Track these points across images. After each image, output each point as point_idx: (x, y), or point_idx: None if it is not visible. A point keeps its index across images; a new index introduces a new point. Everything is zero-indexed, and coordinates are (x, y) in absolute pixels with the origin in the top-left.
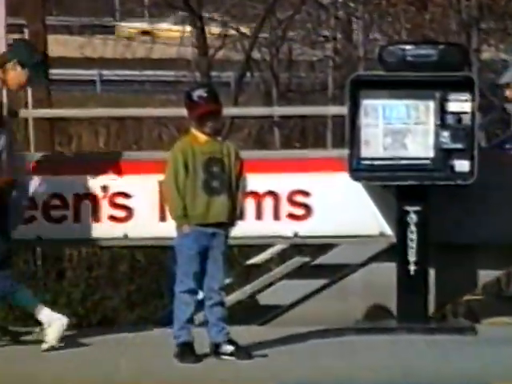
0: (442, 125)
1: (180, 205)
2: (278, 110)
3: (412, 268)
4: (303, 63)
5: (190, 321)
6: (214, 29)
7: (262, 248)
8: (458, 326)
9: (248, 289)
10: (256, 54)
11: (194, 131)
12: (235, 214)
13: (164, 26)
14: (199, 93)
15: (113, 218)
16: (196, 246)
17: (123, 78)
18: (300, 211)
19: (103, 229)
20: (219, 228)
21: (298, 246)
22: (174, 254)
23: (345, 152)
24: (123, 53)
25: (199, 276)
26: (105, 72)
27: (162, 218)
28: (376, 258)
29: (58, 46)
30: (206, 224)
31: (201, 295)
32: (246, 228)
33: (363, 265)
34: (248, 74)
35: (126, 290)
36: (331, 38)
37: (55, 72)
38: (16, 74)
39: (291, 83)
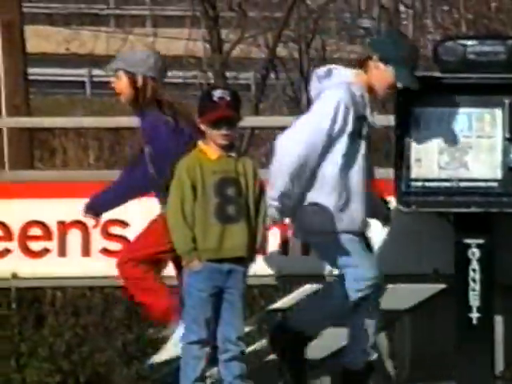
0: None
1: (188, 236)
2: None
3: (475, 316)
4: (339, 62)
5: (201, 379)
6: (230, 19)
7: (288, 289)
8: None
9: None
10: (282, 51)
11: (203, 145)
12: (255, 246)
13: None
14: (221, 94)
15: (106, 251)
16: (208, 286)
17: None
18: None
19: (94, 265)
20: (236, 264)
21: None
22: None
23: (391, 172)
24: (118, 48)
25: (212, 323)
26: (96, 72)
27: None
28: (429, 302)
29: (38, 39)
30: (221, 259)
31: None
32: (268, 263)
33: (412, 311)
34: (272, 75)
35: (122, 340)
36: (374, 30)
37: (35, 71)
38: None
39: None
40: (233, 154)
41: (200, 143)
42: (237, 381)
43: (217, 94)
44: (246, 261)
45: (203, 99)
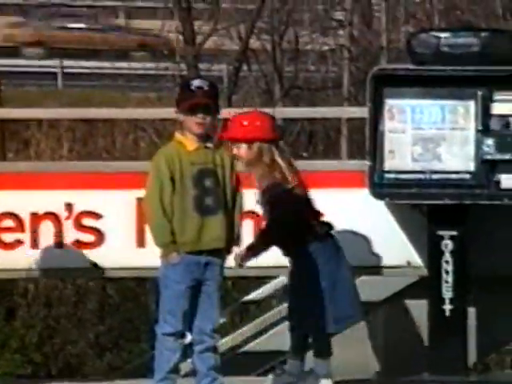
0: (484, 131)
1: (167, 228)
2: (282, 112)
3: (448, 307)
4: (312, 54)
5: (175, 370)
6: (203, 11)
7: (262, 281)
8: (505, 379)
9: (245, 331)
10: (254, 43)
11: (180, 136)
12: (233, 237)
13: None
14: (199, 83)
15: (79, 243)
16: (186, 278)
17: (90, 71)
18: None
19: (67, 256)
20: (214, 256)
21: None
22: (155, 286)
23: (364, 164)
24: (90, 40)
25: (188, 315)
26: (67, 63)
27: (140, 244)
28: (402, 294)
29: (10, 30)
30: (199, 251)
31: (189, 338)
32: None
33: (387, 302)
34: (245, 67)
35: (94, 331)
36: (347, 22)
37: (5, 63)
38: None
39: (297, 78)
40: (210, 145)
41: (177, 134)
42: (211, 372)
43: (195, 83)
44: (223, 253)
45: (182, 89)
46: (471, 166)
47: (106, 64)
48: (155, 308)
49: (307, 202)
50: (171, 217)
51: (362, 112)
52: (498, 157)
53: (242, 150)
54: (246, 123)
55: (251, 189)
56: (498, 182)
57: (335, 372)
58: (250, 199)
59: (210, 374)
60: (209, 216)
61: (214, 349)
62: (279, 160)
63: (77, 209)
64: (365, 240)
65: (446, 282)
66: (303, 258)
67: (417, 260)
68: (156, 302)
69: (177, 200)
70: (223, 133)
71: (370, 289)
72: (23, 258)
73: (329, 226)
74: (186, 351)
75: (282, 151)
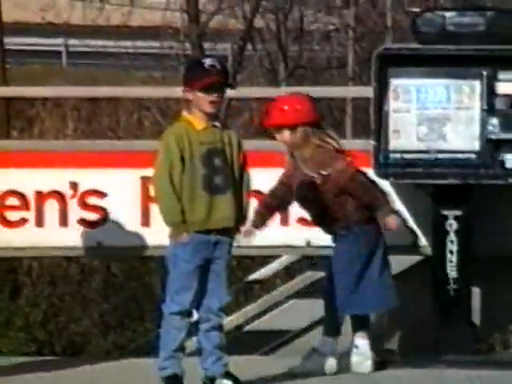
0: (489, 110)
1: (177, 207)
2: (286, 91)
3: (452, 287)
4: (317, 33)
5: (181, 349)
6: None
7: (266, 260)
8: (510, 359)
9: (249, 310)
10: (259, 22)
11: (188, 116)
12: (241, 216)
13: None
14: (212, 62)
15: (83, 221)
16: (195, 257)
17: (95, 50)
18: None
19: (71, 235)
20: (223, 235)
21: (310, 258)
22: (162, 266)
23: (369, 143)
24: (95, 18)
25: (196, 294)
26: (72, 42)
27: (144, 223)
28: (407, 273)
29: (14, 8)
30: (208, 230)
31: (195, 317)
32: None
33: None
34: (249, 46)
35: (99, 310)
36: (352, 1)
37: (11, 41)
38: None
39: (302, 58)
40: (217, 124)
41: (185, 114)
42: (216, 350)
43: (208, 61)
44: (232, 231)
45: (193, 67)
46: (476, 146)
47: (110, 43)
48: (161, 287)
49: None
50: (180, 196)
51: (367, 92)
52: (503, 136)
53: (285, 135)
54: (286, 108)
55: (258, 167)
56: (502, 162)
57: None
58: (255, 179)
59: (215, 353)
60: (218, 195)
61: (220, 327)
62: (328, 139)
63: (82, 187)
64: None
65: (451, 262)
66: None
67: (421, 240)
68: (162, 281)
69: (186, 179)
70: (264, 119)
71: None
72: (28, 237)
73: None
74: (192, 329)
75: (324, 130)
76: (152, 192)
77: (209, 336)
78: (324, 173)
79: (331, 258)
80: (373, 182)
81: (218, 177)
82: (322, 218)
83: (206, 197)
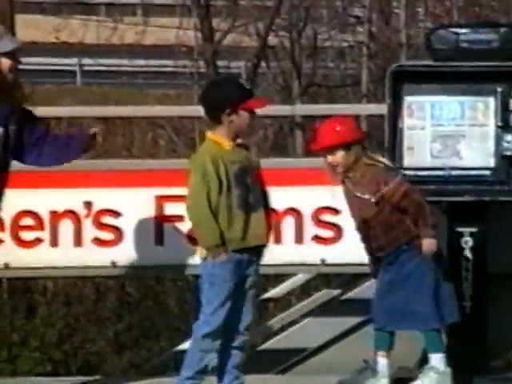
0: (504, 127)
1: (216, 231)
2: (300, 109)
3: (467, 304)
4: (331, 51)
5: (204, 371)
6: (221, 8)
7: (281, 278)
8: None
9: (264, 328)
10: (273, 40)
11: (214, 136)
12: (269, 234)
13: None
14: (246, 84)
15: (98, 241)
16: (234, 276)
17: (109, 69)
18: (328, 233)
19: (86, 254)
20: (256, 253)
21: (325, 276)
22: (196, 286)
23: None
24: (109, 37)
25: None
26: (86, 61)
27: (159, 242)
28: None
29: (28, 28)
30: (244, 249)
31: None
32: None
33: None
34: (263, 64)
35: (114, 330)
36: (366, 19)
37: (24, 60)
38: None
39: (316, 75)
40: (240, 142)
41: (211, 134)
42: (234, 370)
43: (243, 82)
44: (263, 249)
45: (235, 88)
46: (491, 162)
47: (124, 61)
48: (195, 308)
49: None
50: (217, 217)
51: (381, 109)
52: None
53: (338, 156)
54: (339, 128)
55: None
56: None
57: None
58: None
59: (233, 372)
60: (252, 213)
61: (242, 347)
62: (377, 157)
63: (96, 207)
64: None
65: (466, 279)
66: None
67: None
68: (196, 301)
69: (223, 200)
70: (315, 143)
71: None
72: (43, 257)
73: None
74: None
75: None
76: (188, 215)
77: (230, 355)
78: (378, 193)
79: (396, 274)
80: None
81: (251, 195)
82: (384, 237)
83: (242, 215)
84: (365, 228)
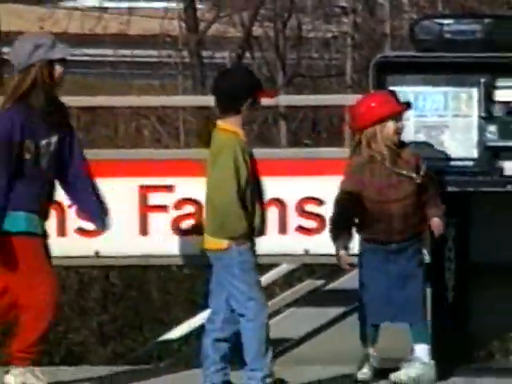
0: (488, 117)
1: (245, 221)
2: (285, 99)
3: (450, 294)
4: (315, 41)
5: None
6: None
7: (264, 268)
8: (509, 367)
9: None
10: (257, 30)
11: (227, 125)
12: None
13: None
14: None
15: (81, 231)
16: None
17: (93, 59)
18: (312, 223)
19: (69, 244)
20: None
21: (309, 266)
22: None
23: None
24: (93, 27)
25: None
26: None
27: (143, 231)
28: None
29: (12, 17)
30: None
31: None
32: None
33: None
34: (247, 55)
35: (97, 320)
36: (350, 9)
37: (7, 50)
38: None
39: (300, 66)
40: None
41: (223, 124)
42: (221, 360)
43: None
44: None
45: (252, 75)
46: (474, 153)
47: (108, 51)
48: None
49: None
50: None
51: None
52: (501, 143)
53: (389, 126)
54: (386, 97)
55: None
56: (501, 169)
57: (340, 359)
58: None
59: (220, 363)
60: (262, 203)
61: (231, 338)
62: None
63: None
64: None
65: (449, 269)
66: None
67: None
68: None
69: (248, 190)
70: (363, 118)
71: None
72: None
73: None
74: (200, 335)
75: None
76: (217, 202)
77: (219, 346)
78: (421, 171)
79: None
80: None
81: (261, 185)
82: (413, 218)
83: (259, 205)
84: (391, 208)
